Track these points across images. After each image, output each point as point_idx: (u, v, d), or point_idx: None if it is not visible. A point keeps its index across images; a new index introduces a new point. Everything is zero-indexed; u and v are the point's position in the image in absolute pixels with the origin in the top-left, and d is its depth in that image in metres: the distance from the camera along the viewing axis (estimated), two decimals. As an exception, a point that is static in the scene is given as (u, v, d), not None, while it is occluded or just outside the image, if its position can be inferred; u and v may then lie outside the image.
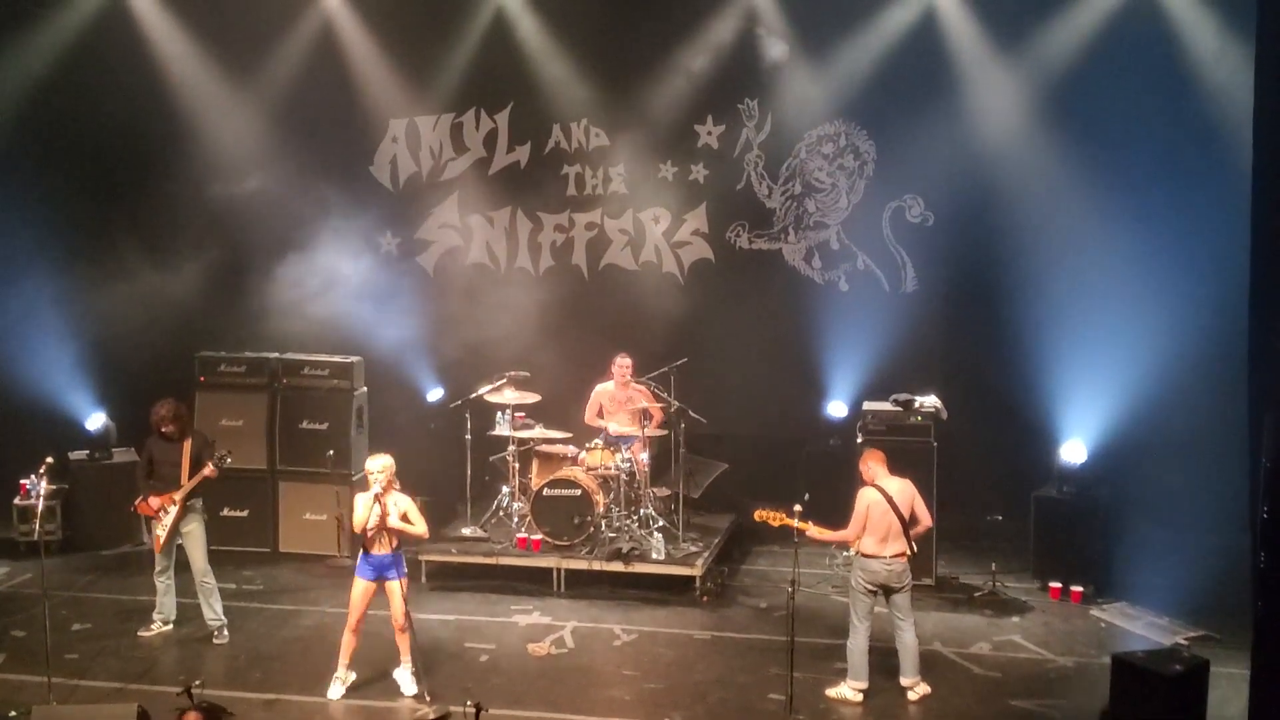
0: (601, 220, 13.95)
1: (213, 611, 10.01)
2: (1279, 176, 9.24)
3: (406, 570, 9.05)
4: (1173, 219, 11.58)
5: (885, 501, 8.91)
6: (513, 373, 11.81)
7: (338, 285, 12.83)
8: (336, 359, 12.37)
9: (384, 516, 8.73)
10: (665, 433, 11.88)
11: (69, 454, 12.44)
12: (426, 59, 13.66)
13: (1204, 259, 11.30)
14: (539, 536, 11.31)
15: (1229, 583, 10.13)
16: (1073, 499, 11.20)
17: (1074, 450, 11.36)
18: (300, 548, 12.17)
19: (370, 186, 14.10)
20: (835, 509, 9.38)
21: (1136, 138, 11.92)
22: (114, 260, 13.11)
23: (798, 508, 8.75)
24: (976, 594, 11.06)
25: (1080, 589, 10.89)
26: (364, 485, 9.01)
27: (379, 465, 8.84)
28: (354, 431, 12.24)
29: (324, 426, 12.20)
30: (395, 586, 8.85)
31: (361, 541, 8.95)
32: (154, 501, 9.92)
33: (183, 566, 10.11)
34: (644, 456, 11.56)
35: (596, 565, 11.06)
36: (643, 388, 11.85)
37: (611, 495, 11.46)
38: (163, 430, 9.98)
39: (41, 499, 10.10)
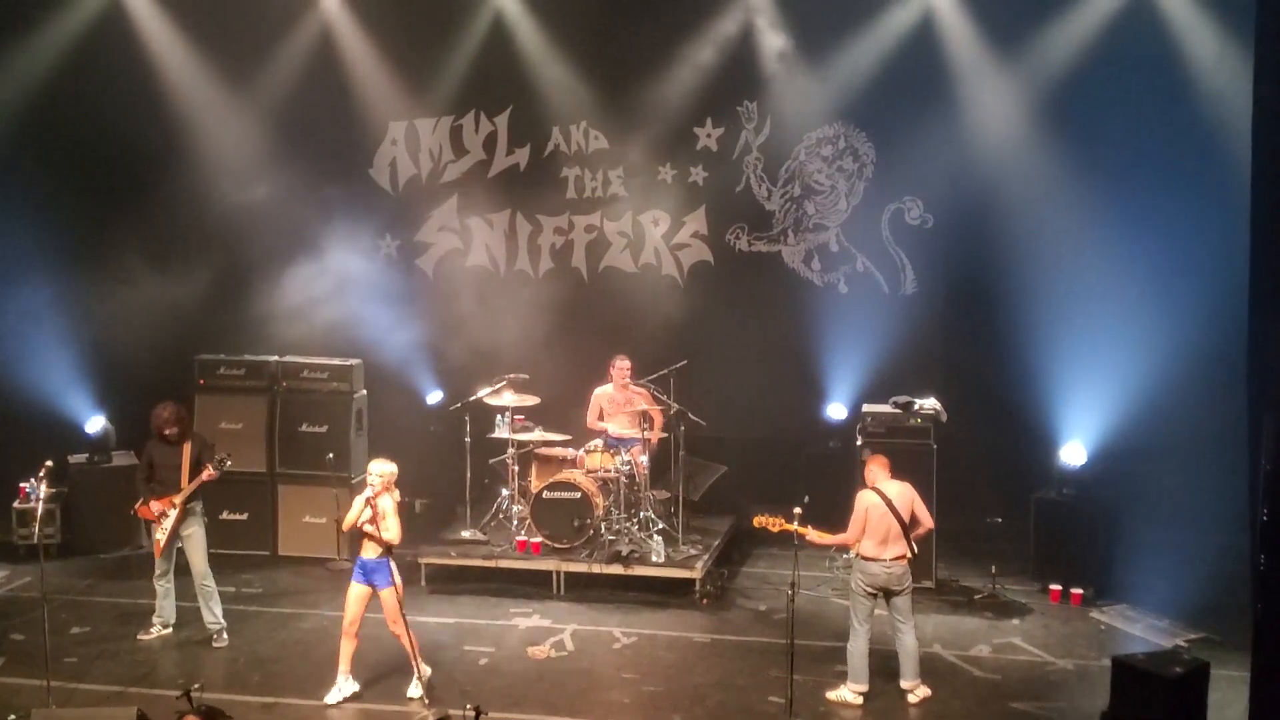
0: (601, 223, 13.94)
1: (212, 615, 10.00)
2: (1278, 179, 9.25)
3: (396, 580, 8.78)
4: (1172, 221, 11.56)
5: (884, 504, 8.91)
6: (512, 375, 11.79)
7: (337, 288, 12.82)
8: (336, 362, 12.37)
9: (362, 520, 8.69)
10: (666, 435, 11.88)
11: (68, 457, 12.42)
12: (426, 61, 13.65)
13: (1203, 261, 11.30)
14: (538, 539, 11.30)
15: (1229, 585, 10.15)
16: (1073, 501, 11.19)
17: (1074, 452, 11.35)
18: (300, 551, 12.16)
19: (370, 189, 14.09)
20: (835, 511, 9.38)
21: (1136, 140, 11.91)
22: (113, 263, 13.13)
23: (797, 511, 8.76)
24: (976, 596, 11.06)
25: (1080, 591, 10.89)
26: (363, 488, 8.97)
27: (379, 470, 8.83)
28: (353, 434, 12.24)
29: (323, 429, 12.20)
30: (386, 596, 8.78)
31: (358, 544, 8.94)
32: (154, 505, 9.91)
33: (182, 570, 10.10)
34: (644, 459, 11.55)
35: (596, 568, 11.05)
36: (642, 390, 11.84)
37: (611, 498, 11.45)
38: (164, 433, 9.97)
39: (41, 502, 10.06)
